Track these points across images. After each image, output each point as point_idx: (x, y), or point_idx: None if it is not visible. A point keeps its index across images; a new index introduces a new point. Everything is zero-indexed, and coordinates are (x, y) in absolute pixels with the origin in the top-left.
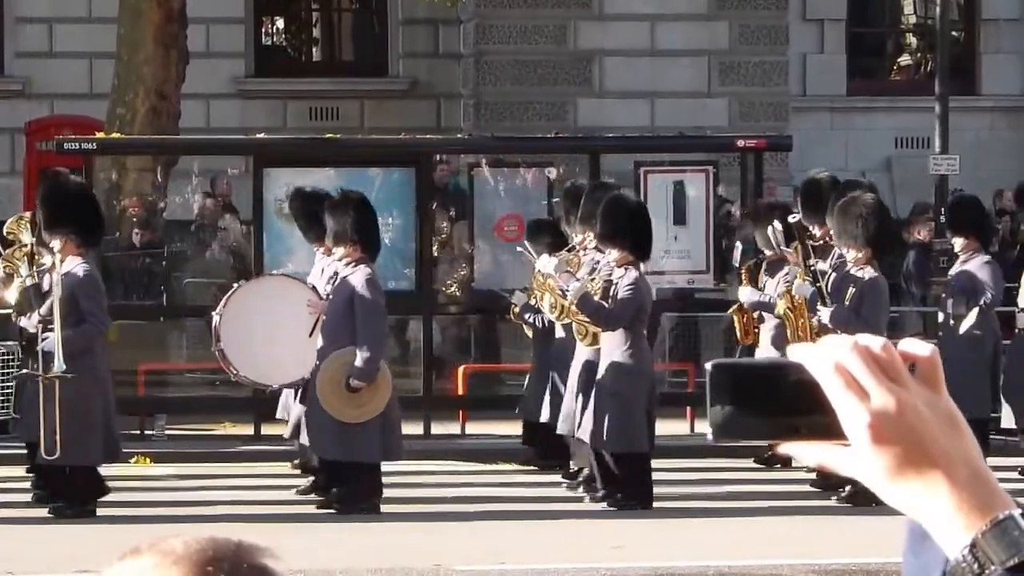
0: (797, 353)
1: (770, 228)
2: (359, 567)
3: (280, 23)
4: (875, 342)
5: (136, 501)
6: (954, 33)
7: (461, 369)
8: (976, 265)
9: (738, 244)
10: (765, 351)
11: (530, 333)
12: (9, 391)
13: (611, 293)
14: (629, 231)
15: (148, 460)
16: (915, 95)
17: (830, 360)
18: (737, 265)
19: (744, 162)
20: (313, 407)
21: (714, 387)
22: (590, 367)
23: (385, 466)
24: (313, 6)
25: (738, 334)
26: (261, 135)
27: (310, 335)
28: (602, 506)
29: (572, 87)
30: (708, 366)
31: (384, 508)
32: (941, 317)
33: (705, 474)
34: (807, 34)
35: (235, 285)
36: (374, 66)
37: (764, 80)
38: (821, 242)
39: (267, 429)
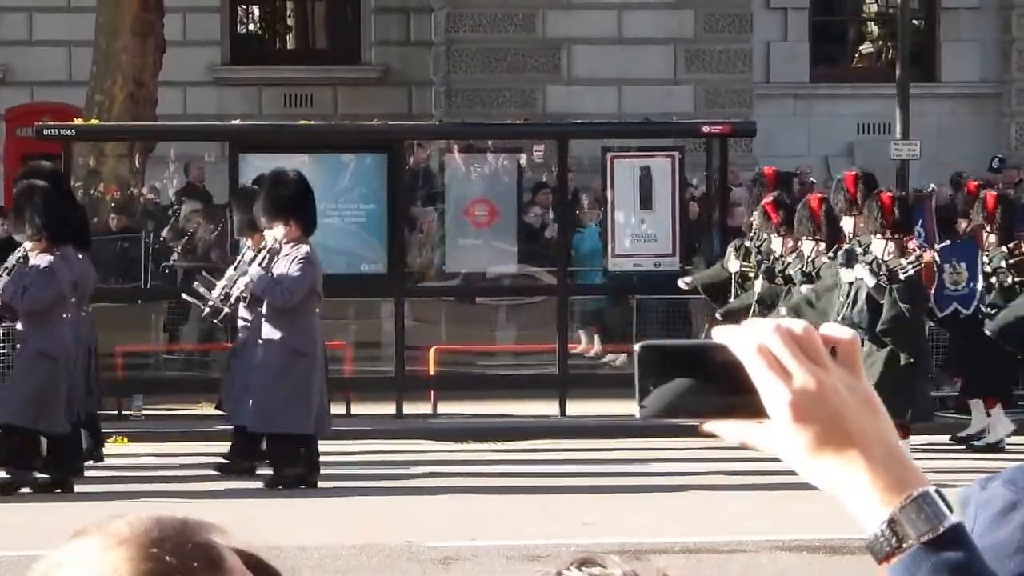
0: (721, 334)
1: None
2: (334, 543)
3: (255, 12)
4: (797, 325)
5: (113, 477)
6: (915, 21)
7: (432, 350)
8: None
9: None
10: None
11: None
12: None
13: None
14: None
15: (125, 439)
16: (877, 82)
17: (753, 341)
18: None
19: (709, 148)
20: None
21: (642, 367)
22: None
23: (356, 445)
24: None
25: None
26: (237, 121)
27: None
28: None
29: (541, 74)
30: (636, 347)
31: (358, 486)
32: None
33: (670, 452)
34: (771, 22)
35: None
36: (347, 54)
37: (729, 67)
38: None
39: None
